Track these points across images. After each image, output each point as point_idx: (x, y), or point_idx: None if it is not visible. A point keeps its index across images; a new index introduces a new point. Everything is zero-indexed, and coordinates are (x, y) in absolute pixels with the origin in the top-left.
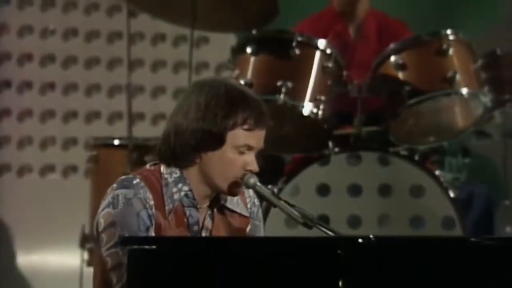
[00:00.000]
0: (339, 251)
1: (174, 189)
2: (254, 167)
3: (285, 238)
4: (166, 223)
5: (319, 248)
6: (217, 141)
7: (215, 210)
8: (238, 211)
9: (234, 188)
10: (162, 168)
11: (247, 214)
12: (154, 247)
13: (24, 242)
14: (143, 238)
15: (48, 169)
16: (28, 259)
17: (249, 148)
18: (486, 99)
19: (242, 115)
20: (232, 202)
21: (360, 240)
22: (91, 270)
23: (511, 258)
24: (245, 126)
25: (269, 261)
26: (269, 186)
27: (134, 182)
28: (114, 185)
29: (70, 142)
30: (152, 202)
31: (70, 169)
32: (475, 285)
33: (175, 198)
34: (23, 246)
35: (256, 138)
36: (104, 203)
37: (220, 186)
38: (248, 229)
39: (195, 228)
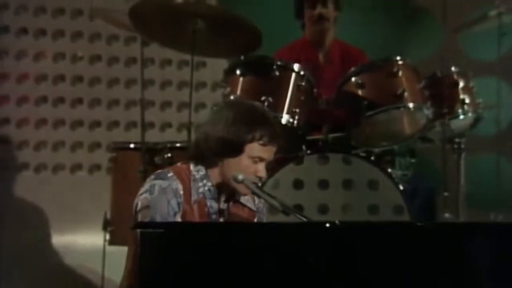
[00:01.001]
0: (311, 233)
1: (200, 184)
2: (263, 174)
3: (267, 223)
4: (190, 211)
5: (295, 230)
6: (236, 150)
7: (230, 203)
8: (248, 205)
9: (244, 189)
10: (191, 166)
11: (254, 208)
12: (162, 230)
13: (58, 225)
14: (153, 223)
15: (77, 167)
16: (61, 239)
17: (261, 159)
18: (428, 112)
19: (260, 132)
20: (244, 199)
21: (327, 225)
22: (112, 248)
23: (449, 238)
24: (261, 142)
25: (257, 241)
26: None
27: (169, 175)
28: (152, 176)
29: (94, 146)
30: (181, 192)
31: (95, 167)
32: (419, 261)
33: (200, 191)
34: (57, 229)
35: (268, 152)
36: (143, 189)
37: (234, 186)
38: (255, 220)
39: (214, 216)
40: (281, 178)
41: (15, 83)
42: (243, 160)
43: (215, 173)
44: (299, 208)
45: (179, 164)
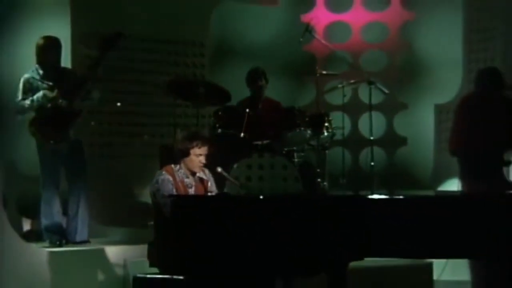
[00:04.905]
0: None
1: (179, 172)
2: (204, 162)
3: (233, 195)
4: (179, 187)
5: (247, 200)
6: (186, 153)
7: (195, 178)
8: (203, 177)
9: (197, 169)
10: (172, 165)
11: (206, 178)
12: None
13: (136, 186)
14: (171, 195)
15: (144, 156)
16: (136, 192)
17: (200, 155)
18: (310, 132)
19: (196, 142)
20: (201, 174)
21: (261, 197)
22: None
23: (335, 207)
24: (198, 147)
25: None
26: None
27: (163, 172)
28: (156, 174)
29: (152, 148)
30: (171, 179)
31: (152, 157)
32: (310, 216)
33: (180, 175)
34: (136, 188)
35: (203, 150)
36: (153, 182)
37: (192, 170)
38: (208, 185)
39: (189, 186)
40: (241, 165)
41: (107, 119)
42: (192, 157)
43: (183, 165)
44: (249, 179)
45: (167, 166)
